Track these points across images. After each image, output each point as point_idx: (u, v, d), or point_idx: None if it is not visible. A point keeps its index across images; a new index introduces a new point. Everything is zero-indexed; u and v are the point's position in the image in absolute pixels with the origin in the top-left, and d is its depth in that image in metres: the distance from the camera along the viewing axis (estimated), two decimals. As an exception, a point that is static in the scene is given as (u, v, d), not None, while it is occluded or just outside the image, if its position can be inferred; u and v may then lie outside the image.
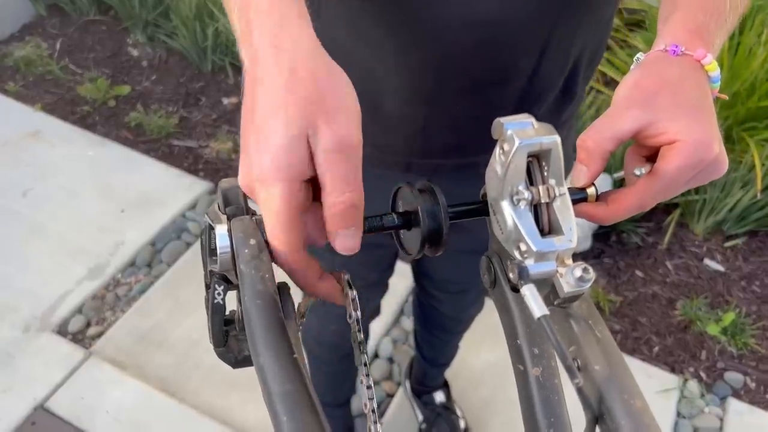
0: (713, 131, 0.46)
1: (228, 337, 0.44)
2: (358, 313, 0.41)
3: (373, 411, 0.39)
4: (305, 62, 0.39)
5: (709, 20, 0.51)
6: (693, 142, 0.44)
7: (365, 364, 0.40)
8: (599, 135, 0.46)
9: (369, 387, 0.40)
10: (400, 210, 0.45)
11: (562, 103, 0.79)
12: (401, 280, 1.70)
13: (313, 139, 0.37)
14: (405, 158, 0.79)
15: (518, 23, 0.65)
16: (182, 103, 2.47)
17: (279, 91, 0.38)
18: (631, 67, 0.52)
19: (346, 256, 0.39)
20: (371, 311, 1.24)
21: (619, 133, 0.46)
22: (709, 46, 0.50)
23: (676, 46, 0.49)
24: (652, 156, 0.48)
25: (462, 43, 0.66)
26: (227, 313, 0.43)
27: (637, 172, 0.46)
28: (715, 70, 0.49)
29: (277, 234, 0.38)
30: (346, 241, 0.39)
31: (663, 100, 0.46)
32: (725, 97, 0.55)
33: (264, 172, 0.37)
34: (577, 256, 0.39)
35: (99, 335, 1.74)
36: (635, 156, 0.49)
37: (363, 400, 0.41)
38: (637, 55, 0.52)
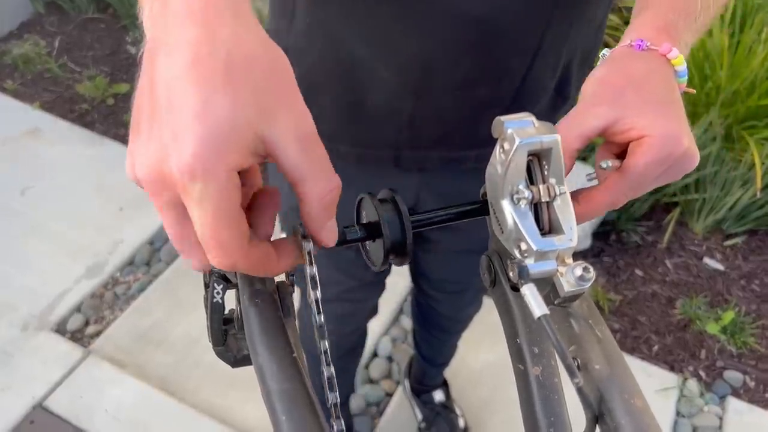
0: (681, 125, 0.45)
1: (227, 336, 0.44)
2: (314, 269, 0.37)
3: (335, 405, 0.36)
4: (254, 33, 0.33)
5: (678, 18, 0.51)
6: (660, 136, 0.44)
7: (325, 353, 0.36)
8: (566, 133, 0.45)
9: (330, 378, 0.36)
10: (364, 221, 0.43)
11: (555, 105, 0.79)
12: (400, 279, 1.70)
13: (273, 125, 0.32)
14: (394, 151, 0.79)
15: (511, 23, 0.65)
16: (181, 102, 2.47)
17: (219, 61, 0.31)
18: (597, 63, 0.51)
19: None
20: (369, 311, 1.23)
21: (586, 131, 0.45)
22: (676, 41, 0.49)
23: (641, 41, 0.48)
24: (622, 153, 0.47)
25: (453, 39, 0.66)
26: (226, 312, 0.43)
27: (603, 165, 0.46)
28: (681, 65, 0.49)
29: (222, 232, 0.31)
30: (332, 233, 0.36)
31: (629, 95, 0.45)
32: (693, 91, 0.54)
33: (198, 160, 0.30)
34: (576, 255, 0.39)
35: (98, 334, 1.74)
36: (606, 154, 0.48)
37: (325, 394, 0.36)
38: (603, 51, 0.52)
